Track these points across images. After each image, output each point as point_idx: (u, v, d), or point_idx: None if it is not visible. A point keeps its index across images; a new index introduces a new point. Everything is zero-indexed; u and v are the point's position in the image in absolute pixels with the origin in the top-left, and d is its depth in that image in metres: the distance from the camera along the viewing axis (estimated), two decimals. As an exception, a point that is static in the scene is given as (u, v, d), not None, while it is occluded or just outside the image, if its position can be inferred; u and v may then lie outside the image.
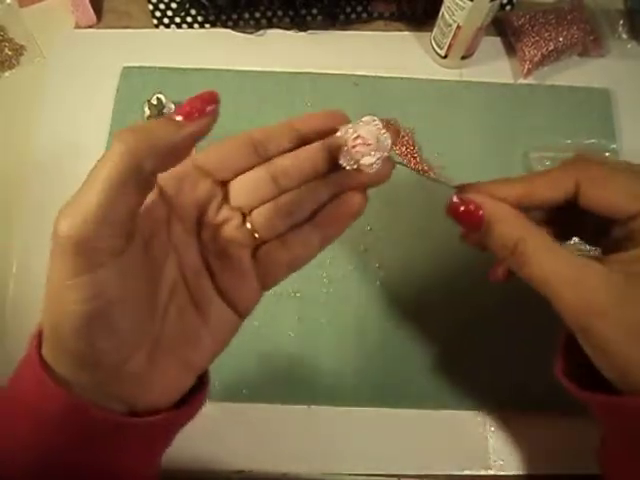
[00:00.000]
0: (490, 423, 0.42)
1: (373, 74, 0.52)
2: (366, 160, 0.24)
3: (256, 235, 0.26)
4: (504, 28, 0.54)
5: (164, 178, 0.24)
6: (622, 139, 0.50)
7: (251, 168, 0.26)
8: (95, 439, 0.23)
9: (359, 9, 0.54)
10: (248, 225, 0.26)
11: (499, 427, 0.42)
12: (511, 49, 0.54)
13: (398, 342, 0.44)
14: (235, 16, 0.54)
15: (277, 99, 0.51)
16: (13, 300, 0.45)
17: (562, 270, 0.25)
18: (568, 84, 0.53)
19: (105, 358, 0.21)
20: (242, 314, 0.26)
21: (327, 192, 0.26)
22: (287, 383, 0.43)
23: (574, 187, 0.27)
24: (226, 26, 0.55)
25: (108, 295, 0.20)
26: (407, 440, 0.42)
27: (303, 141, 0.26)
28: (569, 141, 0.50)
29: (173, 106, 0.49)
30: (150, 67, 0.52)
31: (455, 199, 0.28)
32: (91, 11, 0.54)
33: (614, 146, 0.50)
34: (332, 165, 0.26)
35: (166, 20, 0.54)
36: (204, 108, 0.21)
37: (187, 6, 0.53)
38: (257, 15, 0.54)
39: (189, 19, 0.54)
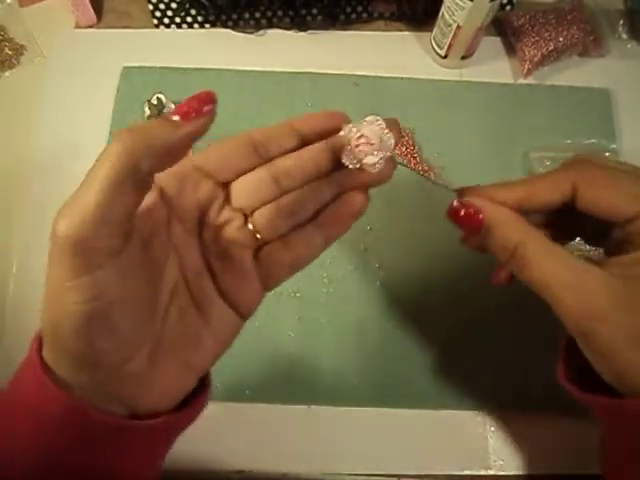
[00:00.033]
0: (490, 423, 0.42)
1: (373, 74, 0.52)
2: (369, 159, 0.24)
3: (258, 236, 0.26)
4: (504, 28, 0.54)
5: (165, 179, 0.24)
6: (622, 139, 0.50)
7: (252, 169, 0.26)
8: (95, 441, 0.23)
9: (359, 9, 0.54)
10: (250, 226, 0.26)
11: (499, 427, 0.42)
12: (511, 49, 0.54)
13: (398, 342, 0.44)
14: (235, 16, 0.54)
15: (277, 99, 0.51)
16: (13, 300, 0.45)
17: (562, 273, 0.25)
18: (568, 84, 0.53)
19: (105, 358, 0.21)
20: (244, 315, 0.26)
21: (330, 192, 0.26)
22: (287, 383, 0.43)
23: (571, 190, 0.27)
24: (226, 26, 0.55)
25: (108, 296, 0.20)
26: (407, 440, 0.42)
27: (304, 141, 0.26)
28: (569, 141, 0.50)
29: (173, 106, 0.49)
30: (150, 67, 0.52)
31: (455, 203, 0.28)
32: (91, 11, 0.54)
33: (614, 146, 0.50)
34: (335, 165, 0.26)
35: (166, 20, 0.54)
36: (201, 108, 0.21)
37: (187, 6, 0.53)
38: (257, 15, 0.54)
39: (189, 19, 0.54)
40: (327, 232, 0.26)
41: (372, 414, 0.42)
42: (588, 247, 0.33)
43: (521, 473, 0.41)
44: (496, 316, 0.44)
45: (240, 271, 0.25)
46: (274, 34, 0.55)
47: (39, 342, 0.23)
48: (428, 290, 0.45)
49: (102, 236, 0.19)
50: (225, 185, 0.26)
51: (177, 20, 0.54)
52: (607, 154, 0.50)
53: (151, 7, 0.53)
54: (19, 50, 0.53)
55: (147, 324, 0.23)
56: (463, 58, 0.52)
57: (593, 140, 0.50)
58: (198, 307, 0.25)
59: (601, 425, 0.28)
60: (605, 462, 0.29)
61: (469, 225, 0.28)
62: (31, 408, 0.23)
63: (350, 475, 0.41)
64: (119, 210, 0.19)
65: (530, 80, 0.53)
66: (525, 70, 0.52)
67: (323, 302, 0.45)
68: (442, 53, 0.52)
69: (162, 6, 0.53)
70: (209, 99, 0.21)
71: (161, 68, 0.52)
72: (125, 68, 0.52)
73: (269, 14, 0.54)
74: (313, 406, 0.42)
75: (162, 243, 0.24)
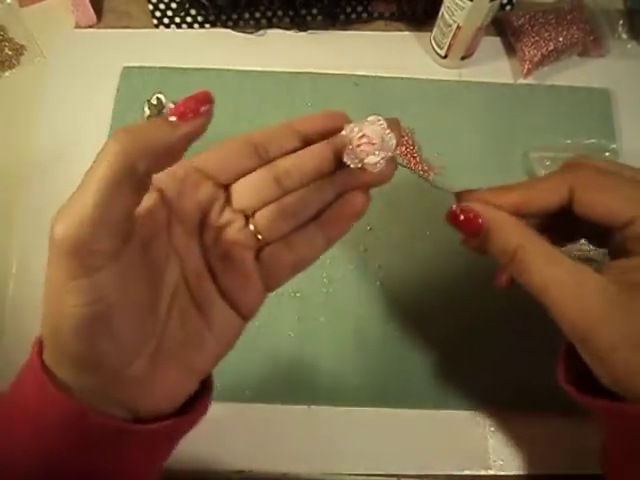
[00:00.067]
0: (490, 423, 0.42)
1: (373, 74, 0.52)
2: (370, 159, 0.24)
3: (259, 237, 0.26)
4: (504, 28, 0.54)
5: (165, 181, 0.24)
6: (622, 139, 0.50)
7: (252, 170, 0.26)
8: (96, 445, 0.23)
9: (359, 9, 0.54)
10: (251, 227, 0.26)
11: (499, 427, 0.42)
12: (511, 49, 0.54)
13: (398, 342, 0.44)
14: (235, 16, 0.54)
15: (277, 99, 0.51)
16: (13, 300, 0.45)
17: (561, 277, 0.25)
18: (568, 84, 0.53)
19: (106, 360, 0.21)
20: (246, 316, 0.26)
21: (331, 192, 0.26)
22: (287, 383, 0.43)
23: (568, 193, 0.27)
24: (226, 26, 0.54)
25: (108, 298, 0.20)
26: (407, 440, 0.42)
27: (305, 142, 0.26)
28: (569, 141, 0.50)
29: (173, 106, 0.49)
30: (150, 67, 0.52)
31: (454, 207, 0.28)
32: (91, 11, 0.54)
33: (614, 146, 0.50)
34: (336, 164, 0.26)
35: (166, 20, 0.54)
36: (198, 108, 0.21)
37: (187, 6, 0.53)
38: (257, 15, 0.54)
39: (189, 19, 0.54)
40: (328, 232, 0.26)
41: (372, 414, 0.42)
42: (589, 247, 0.33)
43: (521, 473, 0.41)
44: (496, 316, 0.44)
45: (242, 272, 0.25)
46: (274, 34, 0.55)
47: (40, 345, 0.22)
48: (428, 290, 0.45)
49: (100, 237, 0.19)
50: (226, 186, 0.26)
51: (177, 20, 0.54)
52: (607, 154, 0.50)
53: (151, 7, 0.53)
54: (19, 50, 0.53)
55: (148, 326, 0.23)
56: (463, 58, 0.52)
57: (593, 140, 0.50)
58: (199, 309, 0.25)
59: (601, 425, 0.28)
60: (605, 462, 0.29)
61: (468, 229, 0.28)
62: (32, 411, 0.23)
63: (350, 475, 0.41)
64: (117, 211, 0.19)
65: (530, 80, 0.53)
66: (525, 70, 0.52)
67: (323, 302, 0.45)
68: (442, 53, 0.52)
69: (162, 6, 0.53)
70: (206, 99, 0.21)
71: (161, 68, 0.52)
72: (125, 68, 0.52)
73: (269, 14, 0.54)
74: (313, 406, 0.42)
75: (162, 245, 0.24)
